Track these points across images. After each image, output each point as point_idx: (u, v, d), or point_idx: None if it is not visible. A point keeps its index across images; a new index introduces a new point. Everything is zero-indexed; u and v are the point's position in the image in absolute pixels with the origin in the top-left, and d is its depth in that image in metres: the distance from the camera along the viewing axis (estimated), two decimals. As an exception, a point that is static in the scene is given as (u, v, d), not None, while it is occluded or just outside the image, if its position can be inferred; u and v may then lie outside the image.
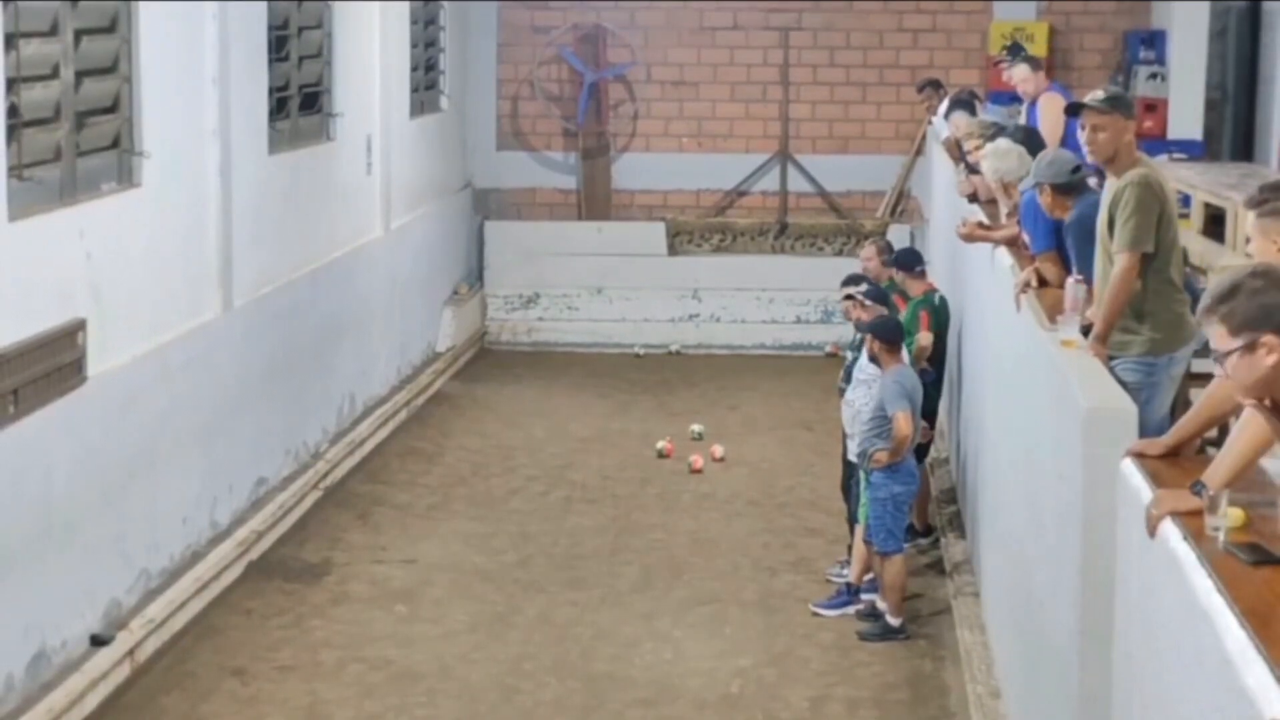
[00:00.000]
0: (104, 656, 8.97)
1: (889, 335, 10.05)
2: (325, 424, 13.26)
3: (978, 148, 10.91)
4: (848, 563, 10.67)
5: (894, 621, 9.97)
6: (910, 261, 11.45)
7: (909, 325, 10.81)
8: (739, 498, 12.79)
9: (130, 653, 9.24)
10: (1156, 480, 5.12)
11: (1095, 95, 7.39)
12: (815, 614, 10.29)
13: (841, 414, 10.62)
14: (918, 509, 11.47)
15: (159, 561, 9.96)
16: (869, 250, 11.84)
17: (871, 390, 10.15)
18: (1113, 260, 7.09)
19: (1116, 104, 7.26)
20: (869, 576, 10.24)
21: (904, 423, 9.79)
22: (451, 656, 9.67)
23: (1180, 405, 7.16)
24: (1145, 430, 6.05)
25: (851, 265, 12.64)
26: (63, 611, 8.74)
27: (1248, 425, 4.80)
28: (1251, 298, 4.47)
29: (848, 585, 10.44)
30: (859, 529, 10.24)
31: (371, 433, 14.04)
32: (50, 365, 8.51)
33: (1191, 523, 4.65)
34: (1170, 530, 4.70)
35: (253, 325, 11.52)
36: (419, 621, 10.22)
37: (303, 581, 10.87)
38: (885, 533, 9.94)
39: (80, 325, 8.90)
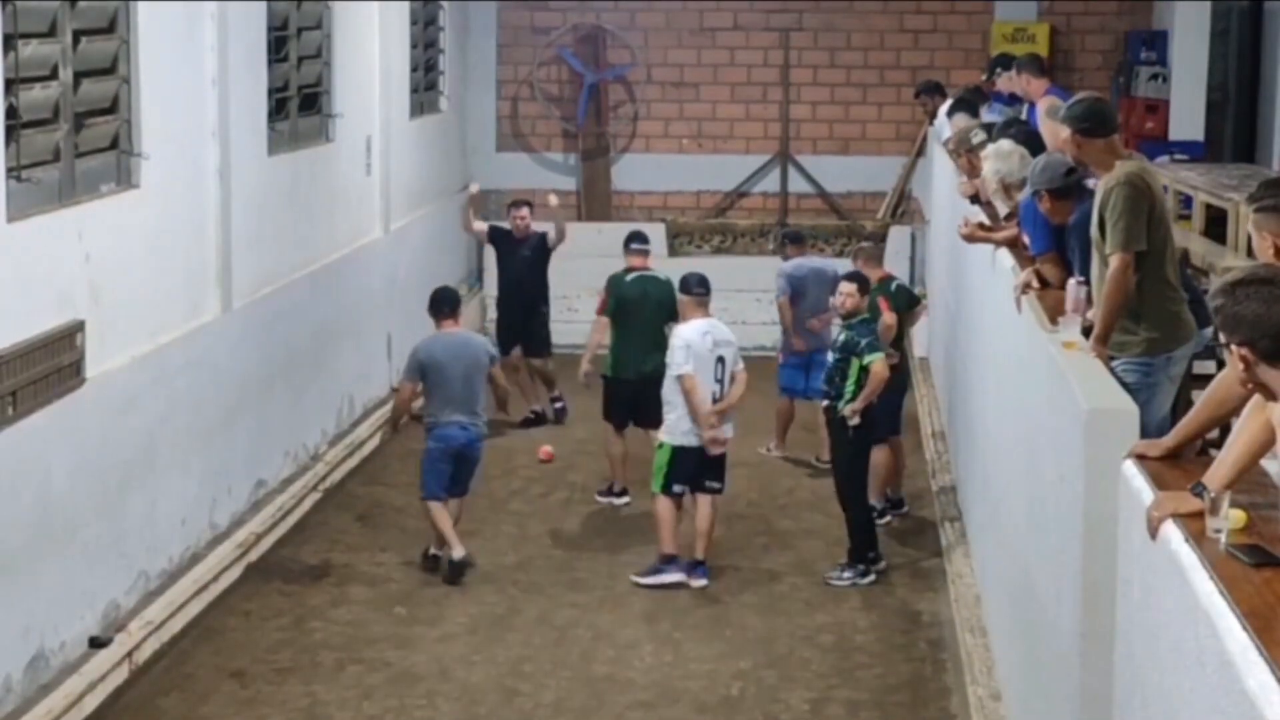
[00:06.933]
0: (103, 658, 8.95)
1: None
2: (324, 426, 13.25)
3: (962, 156, 10.93)
4: (848, 564, 10.67)
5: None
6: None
7: (870, 311, 11.22)
8: (739, 498, 12.77)
9: (129, 654, 9.23)
10: (1158, 482, 5.09)
11: (1066, 109, 7.37)
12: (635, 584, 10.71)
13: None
14: (883, 483, 11.81)
15: (158, 563, 9.95)
16: (848, 287, 11.24)
17: None
18: (1107, 262, 7.06)
19: (1076, 125, 7.21)
20: None
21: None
22: (451, 658, 9.66)
23: (1181, 406, 7.13)
24: (1145, 431, 6.02)
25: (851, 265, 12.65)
26: (61, 613, 8.72)
27: (1248, 426, 4.78)
28: (1233, 305, 4.43)
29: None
30: None
31: (371, 434, 14.01)
32: (49, 367, 8.49)
33: (1193, 524, 4.62)
34: (1172, 532, 4.68)
35: (252, 327, 11.50)
36: (418, 623, 10.21)
37: (302, 583, 10.86)
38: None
39: (79, 327, 8.88)
